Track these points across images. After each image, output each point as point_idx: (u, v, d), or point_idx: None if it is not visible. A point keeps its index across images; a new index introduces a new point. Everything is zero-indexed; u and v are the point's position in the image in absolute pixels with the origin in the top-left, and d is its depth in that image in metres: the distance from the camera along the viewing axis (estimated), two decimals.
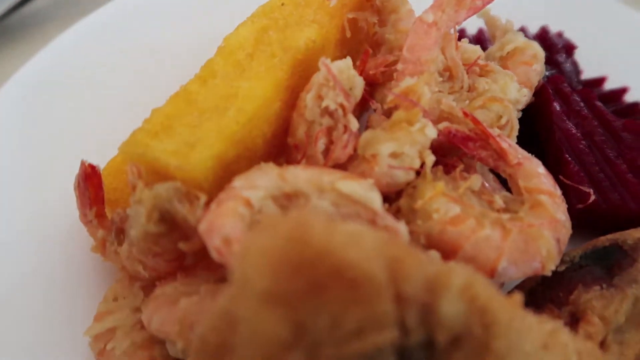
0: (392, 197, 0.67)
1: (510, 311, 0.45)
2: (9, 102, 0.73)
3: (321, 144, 0.65)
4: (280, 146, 0.74)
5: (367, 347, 0.41)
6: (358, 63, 0.76)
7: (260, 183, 0.58)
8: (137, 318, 0.65)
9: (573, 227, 0.72)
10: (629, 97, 0.95)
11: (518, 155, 0.66)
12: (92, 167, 0.64)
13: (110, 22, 0.89)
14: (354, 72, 0.66)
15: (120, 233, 0.65)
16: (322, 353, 0.40)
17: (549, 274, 0.60)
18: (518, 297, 0.47)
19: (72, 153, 0.68)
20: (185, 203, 0.56)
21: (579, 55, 1.01)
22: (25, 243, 0.69)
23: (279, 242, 0.40)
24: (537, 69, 0.81)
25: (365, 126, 0.74)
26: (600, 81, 0.96)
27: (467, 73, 0.76)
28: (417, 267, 0.45)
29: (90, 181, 0.64)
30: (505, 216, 0.61)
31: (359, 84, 0.67)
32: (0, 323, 0.65)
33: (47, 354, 0.65)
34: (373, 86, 0.78)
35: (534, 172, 0.64)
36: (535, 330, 0.47)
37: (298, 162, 0.68)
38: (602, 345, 0.59)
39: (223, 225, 0.52)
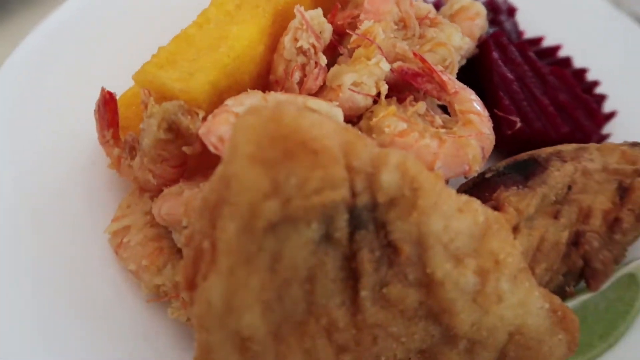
0: (354, 121, 0.82)
1: (434, 181, 0.61)
2: (36, 48, 0.87)
3: (296, 76, 0.80)
4: (264, 85, 0.89)
5: (325, 201, 0.56)
6: (329, 16, 0.91)
7: (247, 102, 0.73)
8: (147, 219, 0.80)
9: (503, 149, 0.88)
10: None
11: (455, 85, 0.81)
12: (110, 94, 0.78)
13: None
14: (323, 19, 0.81)
15: (132, 150, 0.79)
16: (292, 204, 0.55)
17: (475, 174, 0.76)
18: (440, 172, 0.63)
19: (91, 87, 0.81)
20: (188, 116, 0.70)
21: (524, 19, 1.18)
22: (52, 164, 0.83)
23: (261, 121, 0.55)
24: (479, 24, 0.97)
25: None
26: (538, 40, 1.13)
27: (420, 25, 0.91)
28: (365, 148, 0.60)
29: (108, 106, 0.78)
30: (442, 131, 0.77)
31: (327, 29, 0.82)
32: (36, 226, 0.79)
33: (74, 250, 0.79)
34: (341, 35, 0.92)
35: (467, 98, 0.80)
36: (453, 198, 0.62)
37: None
38: (515, 229, 0.75)
39: (218, 128, 0.67)
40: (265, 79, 0.88)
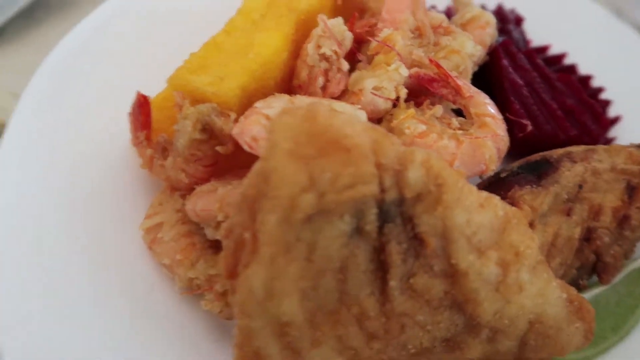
0: (374, 123, 0.86)
1: (456, 178, 0.65)
2: (70, 53, 0.92)
3: (320, 81, 0.84)
4: (287, 89, 0.93)
5: (356, 196, 0.60)
6: (348, 24, 0.95)
7: (275, 104, 0.77)
8: (179, 216, 0.83)
9: (515, 151, 0.93)
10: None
11: (470, 90, 0.85)
12: (144, 97, 0.82)
13: None
14: (344, 27, 0.86)
15: (164, 151, 0.83)
16: (326, 198, 0.59)
17: (491, 173, 0.80)
18: (462, 170, 0.66)
19: (123, 91, 0.85)
20: (221, 117, 0.74)
21: (530, 29, 1.23)
22: (88, 164, 0.87)
23: (297, 120, 0.59)
24: (489, 32, 1.02)
25: None
26: (544, 48, 1.18)
27: (434, 33, 0.96)
28: (392, 146, 0.64)
29: (142, 108, 0.82)
30: (460, 132, 0.81)
31: (348, 37, 0.86)
32: (74, 224, 0.82)
33: (110, 246, 0.82)
34: (360, 43, 0.97)
35: (481, 102, 0.84)
36: (474, 194, 0.66)
37: None
38: (530, 225, 0.79)
39: (251, 129, 0.71)
40: (288, 84, 0.93)
